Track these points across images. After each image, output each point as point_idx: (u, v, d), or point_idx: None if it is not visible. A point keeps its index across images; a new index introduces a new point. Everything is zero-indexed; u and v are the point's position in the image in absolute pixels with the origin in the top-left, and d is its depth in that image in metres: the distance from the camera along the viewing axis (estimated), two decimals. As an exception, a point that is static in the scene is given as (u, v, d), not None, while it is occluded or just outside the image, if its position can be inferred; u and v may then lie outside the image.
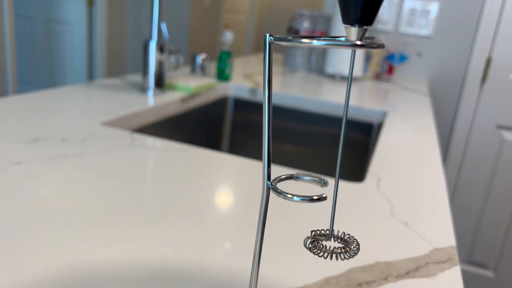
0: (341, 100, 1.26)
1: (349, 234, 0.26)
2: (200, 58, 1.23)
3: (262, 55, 2.21)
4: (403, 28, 1.87)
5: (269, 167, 0.23)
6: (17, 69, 3.71)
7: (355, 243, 0.26)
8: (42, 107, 0.83)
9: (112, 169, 0.58)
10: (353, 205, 0.55)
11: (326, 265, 0.42)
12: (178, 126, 1.04)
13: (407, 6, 1.85)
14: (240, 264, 0.40)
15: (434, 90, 1.93)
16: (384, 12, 1.88)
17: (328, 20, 1.74)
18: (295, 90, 1.32)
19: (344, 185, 0.62)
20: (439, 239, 0.49)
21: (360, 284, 0.39)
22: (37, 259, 0.37)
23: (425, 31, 1.85)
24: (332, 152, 1.26)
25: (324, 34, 1.76)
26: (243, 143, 1.34)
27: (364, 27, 0.24)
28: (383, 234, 0.49)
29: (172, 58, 1.06)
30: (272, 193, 0.56)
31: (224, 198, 0.54)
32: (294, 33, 1.75)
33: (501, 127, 1.87)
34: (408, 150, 0.83)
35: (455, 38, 1.84)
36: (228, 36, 1.28)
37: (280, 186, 0.59)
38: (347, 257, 0.25)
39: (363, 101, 1.27)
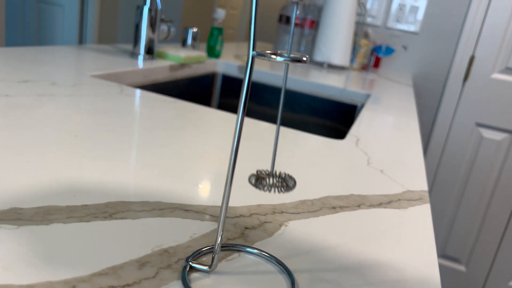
0: (327, 83, 1.28)
1: (288, 174, 0.29)
2: (191, 31, 1.24)
3: (258, 44, 2.23)
4: (392, 23, 1.91)
5: (254, 38, 0.24)
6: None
7: (293, 180, 0.29)
8: (31, 58, 0.83)
9: (100, 108, 0.59)
10: (332, 156, 0.58)
11: (303, 191, 0.44)
12: (166, 93, 1.06)
13: (396, 1, 1.89)
14: (217, 192, 0.42)
15: (418, 85, 1.97)
16: (374, 7, 1.92)
17: (319, 9, 1.77)
18: (283, 73, 1.35)
19: (324, 140, 0.64)
20: (412, 184, 0.52)
21: (334, 207, 0.41)
22: (31, 174, 0.39)
23: (412, 27, 1.90)
24: (318, 131, 1.28)
25: (314, 23, 1.79)
26: (229, 120, 1.35)
27: None
28: (359, 177, 0.51)
29: (164, 27, 1.07)
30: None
31: (202, 138, 0.55)
32: (285, 20, 1.78)
33: (479, 125, 1.93)
34: (388, 120, 0.86)
35: (441, 35, 1.89)
36: (220, 13, 1.29)
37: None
38: (284, 191, 0.27)
39: (348, 86, 1.30)
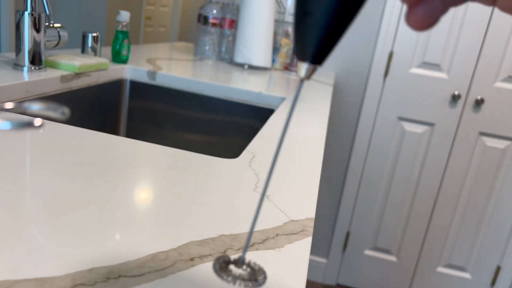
0: (247, 85, 1.23)
1: (258, 264, 0.25)
2: (90, 36, 1.13)
3: (180, 44, 2.14)
4: (313, 21, 1.90)
5: None
6: None
7: (263, 274, 0.26)
8: None
9: None
10: (221, 179, 0.52)
11: (161, 238, 0.37)
12: (58, 108, 0.95)
13: (316, -1, 1.87)
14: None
15: (342, 82, 1.98)
16: (293, 4, 1.89)
17: (238, 8, 1.71)
18: (202, 77, 1.28)
19: (217, 160, 0.58)
20: (297, 212, 0.47)
21: (192, 259, 0.35)
22: None
23: (333, 25, 1.89)
24: (235, 138, 1.23)
25: (234, 22, 1.73)
26: (141, 129, 1.26)
27: (315, 65, 0.26)
28: (239, 209, 0.46)
29: (53, 32, 0.97)
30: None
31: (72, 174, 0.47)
32: (203, 20, 1.70)
33: (402, 118, 1.97)
34: (294, 131, 0.82)
35: (361, 33, 1.90)
36: (124, 15, 1.20)
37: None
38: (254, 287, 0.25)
39: (266, 89, 1.26)
